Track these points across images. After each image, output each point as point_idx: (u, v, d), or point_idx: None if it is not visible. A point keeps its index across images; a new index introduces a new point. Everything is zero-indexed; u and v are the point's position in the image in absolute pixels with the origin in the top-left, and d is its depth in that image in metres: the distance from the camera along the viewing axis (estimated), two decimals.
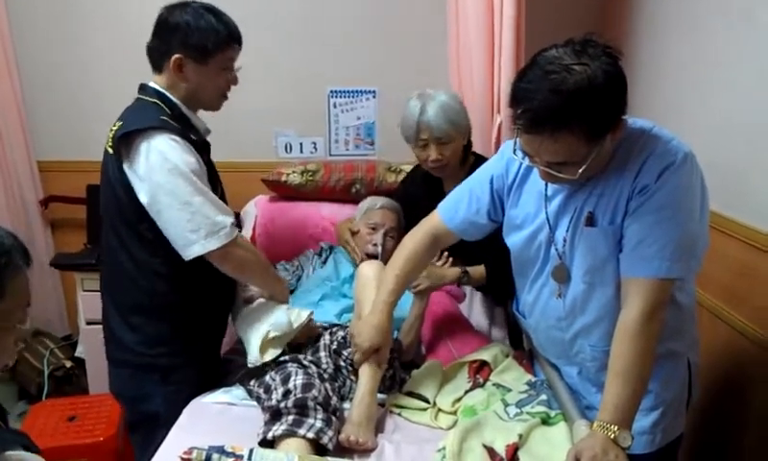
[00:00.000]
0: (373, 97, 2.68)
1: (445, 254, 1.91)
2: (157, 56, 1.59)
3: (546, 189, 1.39)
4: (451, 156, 1.95)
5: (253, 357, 1.64)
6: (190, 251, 1.52)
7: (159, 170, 1.48)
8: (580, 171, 1.20)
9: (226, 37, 1.58)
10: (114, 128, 1.58)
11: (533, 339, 1.66)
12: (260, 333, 1.65)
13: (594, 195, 1.31)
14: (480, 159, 2.08)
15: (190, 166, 1.51)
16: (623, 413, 1.20)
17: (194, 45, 1.55)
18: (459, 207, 1.59)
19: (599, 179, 1.30)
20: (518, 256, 1.52)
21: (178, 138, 1.51)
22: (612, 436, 1.18)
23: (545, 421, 1.46)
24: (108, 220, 1.65)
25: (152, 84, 1.61)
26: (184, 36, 1.54)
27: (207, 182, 1.58)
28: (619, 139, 1.26)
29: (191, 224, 1.50)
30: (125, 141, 1.52)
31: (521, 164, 1.43)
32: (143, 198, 1.51)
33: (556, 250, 1.39)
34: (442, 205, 1.64)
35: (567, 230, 1.36)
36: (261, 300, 1.81)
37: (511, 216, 1.51)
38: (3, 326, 0.98)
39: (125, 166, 1.53)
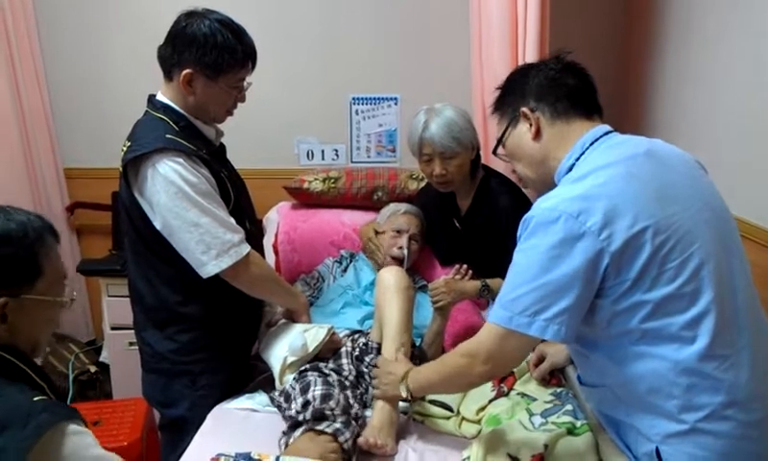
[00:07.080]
0: (395, 104, 2.68)
1: (464, 267, 1.89)
2: (169, 65, 1.56)
3: None
4: (456, 171, 1.94)
5: (277, 383, 1.70)
6: (205, 271, 1.54)
7: (165, 195, 1.49)
8: (500, 148, 1.39)
9: (241, 58, 1.55)
10: (124, 148, 1.58)
11: None
12: (279, 359, 1.70)
13: None
14: (490, 173, 2.06)
15: (195, 187, 1.51)
16: None
17: (207, 62, 1.51)
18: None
19: None
20: None
21: (181, 159, 1.51)
22: None
23: (571, 431, 1.44)
24: (127, 236, 1.66)
25: (159, 97, 1.61)
26: (199, 51, 1.50)
27: (217, 197, 1.58)
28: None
29: (201, 245, 1.52)
30: (132, 166, 1.53)
31: None
32: (156, 224, 1.54)
33: None
34: None
35: None
36: (282, 321, 1.84)
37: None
38: (47, 299, 1.11)
39: (134, 192, 1.55)
